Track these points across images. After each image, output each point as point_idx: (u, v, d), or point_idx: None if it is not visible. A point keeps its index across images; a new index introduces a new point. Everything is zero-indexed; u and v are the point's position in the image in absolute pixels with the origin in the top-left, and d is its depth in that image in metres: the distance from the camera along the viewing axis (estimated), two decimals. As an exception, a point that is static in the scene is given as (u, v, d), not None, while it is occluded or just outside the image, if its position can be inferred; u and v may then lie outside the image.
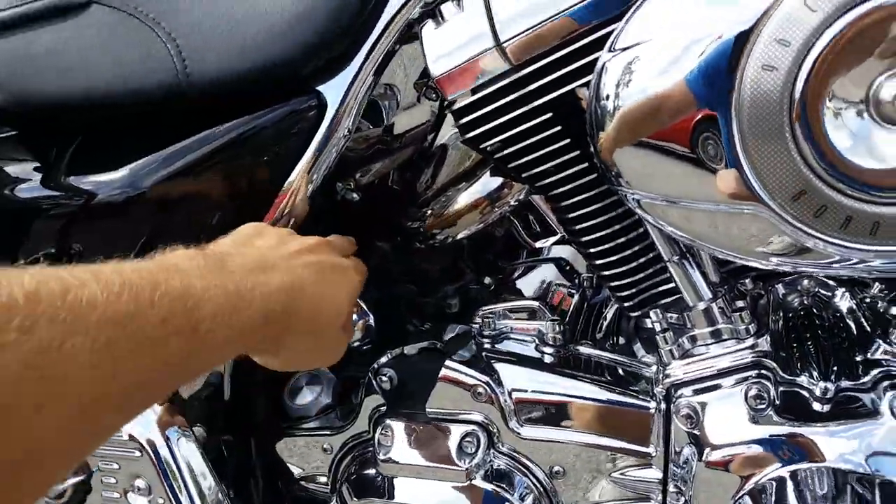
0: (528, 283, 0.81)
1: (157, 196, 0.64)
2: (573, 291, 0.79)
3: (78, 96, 0.62)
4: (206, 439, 0.74)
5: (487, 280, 0.83)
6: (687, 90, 0.46)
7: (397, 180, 0.82)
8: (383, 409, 0.73)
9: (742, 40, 0.44)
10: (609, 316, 0.77)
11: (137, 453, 0.66)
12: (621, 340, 0.75)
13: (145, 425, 0.66)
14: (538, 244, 0.87)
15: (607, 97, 0.50)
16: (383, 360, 0.75)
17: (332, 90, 0.66)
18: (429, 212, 0.78)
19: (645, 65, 0.48)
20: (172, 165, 0.64)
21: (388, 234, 0.82)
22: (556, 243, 0.84)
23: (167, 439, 0.66)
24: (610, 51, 0.50)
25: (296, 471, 0.79)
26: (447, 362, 0.70)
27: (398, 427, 0.71)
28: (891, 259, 0.48)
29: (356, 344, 0.82)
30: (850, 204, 0.44)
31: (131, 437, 0.66)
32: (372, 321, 0.81)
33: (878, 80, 0.42)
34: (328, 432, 0.76)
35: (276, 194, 0.68)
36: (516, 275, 0.83)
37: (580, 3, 0.55)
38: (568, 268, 0.81)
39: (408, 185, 0.82)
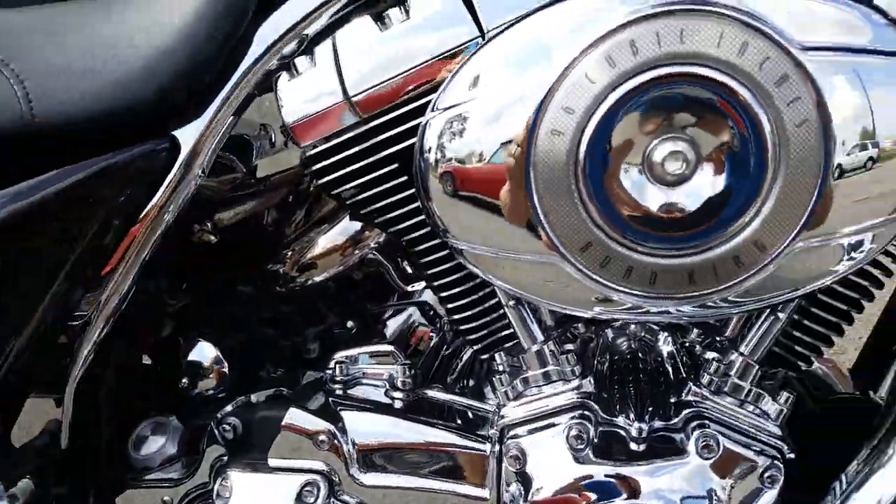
0: (393, 326, 0.83)
1: (2, 233, 0.63)
2: (433, 334, 0.82)
3: None
4: (33, 493, 0.70)
5: (350, 324, 0.85)
6: (494, 150, 0.51)
7: (269, 222, 0.84)
8: (225, 458, 0.72)
9: (535, 107, 0.49)
10: (465, 358, 0.81)
11: None
12: (473, 383, 0.78)
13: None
14: (410, 287, 0.90)
15: (430, 151, 0.54)
16: (228, 408, 0.75)
17: (187, 134, 0.67)
18: (289, 254, 0.80)
19: (460, 125, 0.52)
20: (19, 202, 0.63)
21: (247, 276, 0.82)
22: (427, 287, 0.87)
23: None
24: (432, 110, 0.55)
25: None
26: (290, 410, 0.70)
27: (237, 477, 0.70)
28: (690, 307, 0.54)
29: (209, 392, 0.81)
30: (630, 255, 0.50)
31: None
32: (226, 368, 0.81)
33: (651, 144, 0.48)
34: (168, 484, 0.74)
35: (124, 235, 0.68)
36: (385, 317, 0.85)
37: (422, 64, 0.59)
38: (431, 311, 0.84)
39: (277, 226, 0.83)
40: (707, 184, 0.48)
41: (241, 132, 0.79)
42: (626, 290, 0.51)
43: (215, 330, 0.80)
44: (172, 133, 0.67)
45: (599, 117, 0.48)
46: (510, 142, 0.50)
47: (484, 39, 0.56)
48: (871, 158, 0.48)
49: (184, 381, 0.81)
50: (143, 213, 0.68)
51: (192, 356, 0.81)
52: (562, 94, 0.48)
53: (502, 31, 0.52)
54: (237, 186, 0.78)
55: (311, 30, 0.65)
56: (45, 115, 0.63)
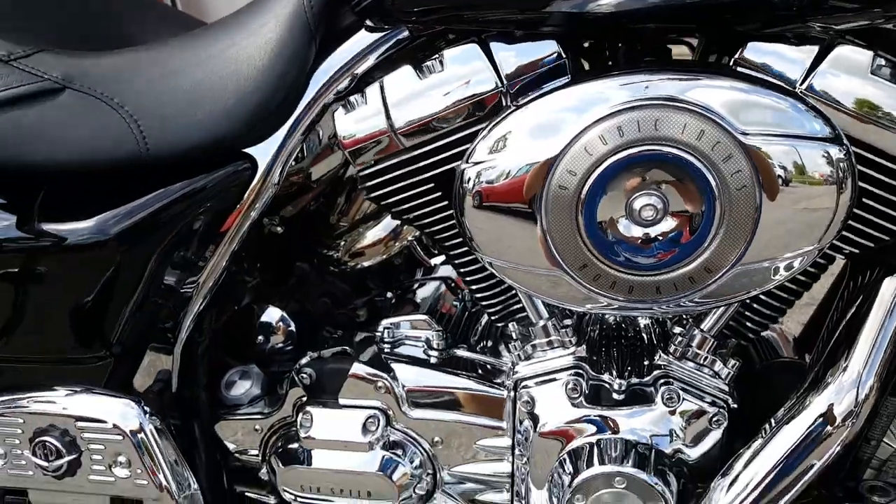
0: (423, 296, 1.03)
1: (121, 242, 0.81)
2: (456, 304, 1.02)
3: (57, 166, 0.78)
4: (160, 423, 0.93)
5: (389, 294, 1.05)
6: (517, 193, 0.69)
7: (315, 212, 1.01)
8: (304, 399, 0.94)
9: (548, 167, 0.66)
10: (483, 322, 1.01)
11: (119, 437, 0.86)
12: (490, 343, 0.98)
13: (124, 416, 0.86)
14: (433, 261, 1.09)
15: (465, 192, 0.72)
16: (304, 360, 0.96)
17: (263, 153, 0.84)
18: (342, 244, 0.99)
19: (489, 175, 0.70)
20: (134, 217, 0.82)
21: (307, 258, 1.01)
22: (444, 262, 1.06)
23: (141, 426, 0.86)
24: (466, 162, 0.72)
25: (231, 447, 0.99)
26: (355, 364, 0.92)
27: (316, 412, 0.92)
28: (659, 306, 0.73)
29: (279, 345, 1.02)
30: (615, 274, 0.69)
31: (115, 426, 0.86)
32: (292, 327, 1.02)
33: (631, 197, 0.66)
34: (259, 416, 0.97)
35: (218, 236, 0.87)
36: (416, 288, 1.05)
37: (454, 105, 0.75)
38: (453, 284, 1.04)
39: (323, 215, 1.01)
40: (672, 226, 0.66)
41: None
42: (611, 297, 0.70)
43: (282, 300, 1.00)
44: (249, 153, 0.84)
45: (594, 177, 0.65)
46: (527, 188, 0.68)
47: (504, 90, 0.72)
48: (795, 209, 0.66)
49: (259, 337, 1.02)
50: (232, 214, 0.86)
51: (264, 318, 1.02)
52: (567, 160, 0.65)
53: (526, 104, 0.69)
54: (295, 185, 0.95)
55: (360, 70, 0.81)
56: (156, 146, 0.80)
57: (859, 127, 0.67)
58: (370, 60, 0.80)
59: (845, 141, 0.66)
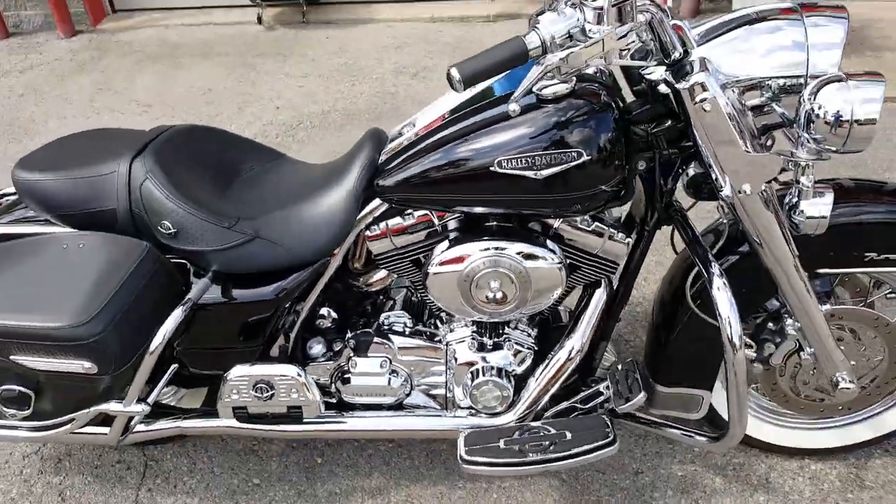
0: (399, 297, 2.22)
1: (274, 297, 1.95)
2: (415, 299, 2.21)
3: (249, 270, 1.91)
4: (307, 375, 2.10)
5: (381, 297, 2.22)
6: (449, 282, 1.87)
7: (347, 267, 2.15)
8: (351, 355, 2.13)
9: (459, 273, 1.85)
10: (430, 309, 2.21)
11: (293, 382, 2.05)
12: (434, 320, 2.18)
13: (293, 373, 2.04)
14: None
15: (428, 279, 1.90)
16: (349, 336, 2.14)
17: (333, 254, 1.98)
18: (361, 279, 2.14)
19: (438, 277, 1.88)
20: (273, 287, 1.95)
21: (343, 286, 2.16)
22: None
23: (301, 377, 2.05)
24: (430, 266, 1.89)
25: (314, 378, 2.17)
26: (374, 338, 2.10)
27: (358, 360, 2.11)
28: (499, 317, 1.95)
29: (330, 325, 2.19)
30: (485, 310, 1.90)
31: (290, 378, 2.05)
32: (336, 316, 2.18)
33: (490, 282, 1.86)
34: (329, 363, 2.14)
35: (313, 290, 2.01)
36: (393, 295, 2.23)
37: (419, 234, 1.91)
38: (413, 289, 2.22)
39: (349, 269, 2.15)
40: (503, 294, 1.87)
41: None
42: (485, 317, 1.93)
43: (329, 303, 2.16)
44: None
45: (475, 277, 1.85)
46: (452, 281, 1.87)
47: (438, 227, 1.89)
48: (539, 286, 1.89)
49: (319, 322, 2.18)
50: (318, 282, 2.01)
51: (321, 312, 2.18)
52: (465, 272, 1.85)
53: (451, 246, 1.86)
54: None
55: (377, 213, 1.94)
56: (291, 256, 1.93)
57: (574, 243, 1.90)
58: (380, 210, 1.94)
59: (563, 260, 1.87)
